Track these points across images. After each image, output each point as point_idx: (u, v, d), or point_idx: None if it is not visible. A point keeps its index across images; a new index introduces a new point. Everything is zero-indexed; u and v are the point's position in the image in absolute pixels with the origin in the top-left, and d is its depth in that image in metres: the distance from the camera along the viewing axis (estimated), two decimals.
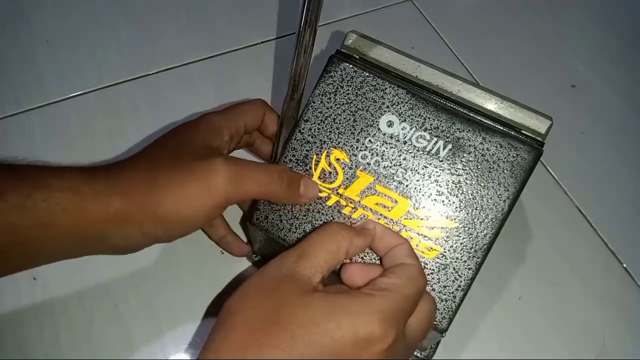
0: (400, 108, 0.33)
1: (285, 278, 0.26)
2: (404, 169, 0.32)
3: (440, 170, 0.32)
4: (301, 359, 0.23)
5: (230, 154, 0.35)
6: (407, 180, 0.32)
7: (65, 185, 0.28)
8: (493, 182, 0.31)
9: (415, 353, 0.36)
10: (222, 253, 0.40)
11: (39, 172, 0.28)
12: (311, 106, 0.34)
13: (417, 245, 0.31)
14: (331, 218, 0.32)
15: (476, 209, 0.31)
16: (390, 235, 0.30)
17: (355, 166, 0.33)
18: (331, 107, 0.34)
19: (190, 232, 0.31)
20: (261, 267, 0.28)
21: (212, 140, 0.33)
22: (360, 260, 0.31)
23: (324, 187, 0.33)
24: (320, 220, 0.32)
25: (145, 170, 0.30)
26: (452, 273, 0.31)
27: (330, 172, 0.33)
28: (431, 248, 0.31)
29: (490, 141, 0.32)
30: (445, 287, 0.31)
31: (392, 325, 0.25)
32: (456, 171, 0.32)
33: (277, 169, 0.31)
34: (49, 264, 0.30)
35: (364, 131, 0.33)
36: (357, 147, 0.33)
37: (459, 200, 0.31)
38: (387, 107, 0.33)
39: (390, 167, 0.32)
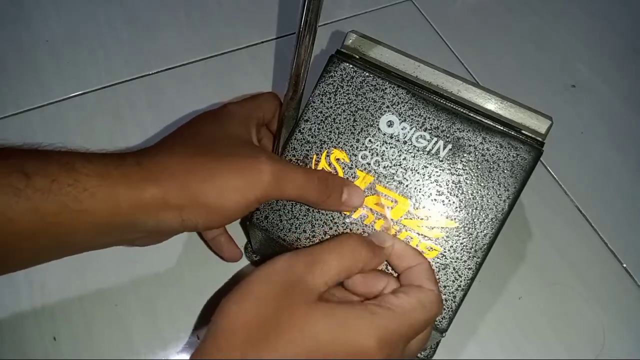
0: (400, 108, 0.33)
1: (292, 285, 0.26)
2: (404, 169, 0.32)
3: (440, 170, 0.32)
4: None
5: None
6: (407, 180, 0.32)
7: (93, 170, 0.27)
8: (493, 182, 0.31)
9: None
10: None
11: (67, 156, 0.27)
12: (311, 106, 0.34)
13: (417, 245, 0.31)
14: (331, 218, 0.32)
15: (476, 209, 0.31)
16: (409, 255, 0.30)
17: (355, 166, 0.33)
18: (331, 107, 0.34)
19: (227, 223, 0.31)
20: (265, 266, 0.27)
21: (241, 133, 0.32)
22: None
23: None
24: (320, 220, 0.32)
25: (182, 157, 0.29)
26: (452, 273, 0.31)
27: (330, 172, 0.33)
28: (431, 248, 0.31)
29: (490, 141, 0.32)
30: (445, 287, 0.31)
31: (388, 346, 0.25)
32: (456, 171, 0.32)
33: (319, 174, 0.31)
34: (80, 253, 0.29)
35: (364, 131, 0.33)
36: (357, 147, 0.33)
37: (459, 200, 0.31)
38: (387, 107, 0.33)
39: (390, 167, 0.32)
